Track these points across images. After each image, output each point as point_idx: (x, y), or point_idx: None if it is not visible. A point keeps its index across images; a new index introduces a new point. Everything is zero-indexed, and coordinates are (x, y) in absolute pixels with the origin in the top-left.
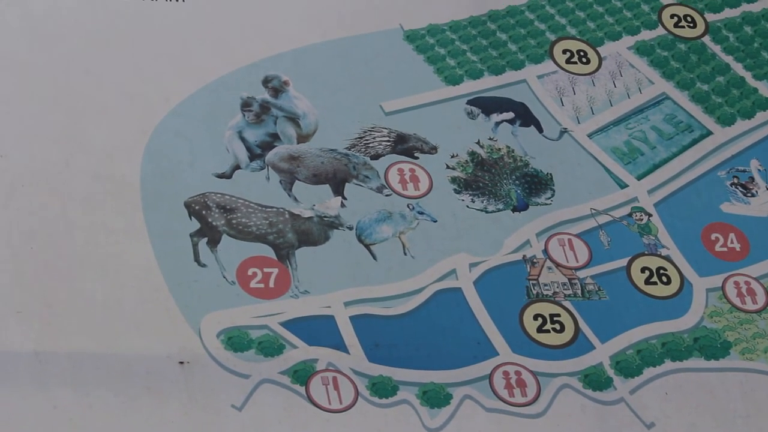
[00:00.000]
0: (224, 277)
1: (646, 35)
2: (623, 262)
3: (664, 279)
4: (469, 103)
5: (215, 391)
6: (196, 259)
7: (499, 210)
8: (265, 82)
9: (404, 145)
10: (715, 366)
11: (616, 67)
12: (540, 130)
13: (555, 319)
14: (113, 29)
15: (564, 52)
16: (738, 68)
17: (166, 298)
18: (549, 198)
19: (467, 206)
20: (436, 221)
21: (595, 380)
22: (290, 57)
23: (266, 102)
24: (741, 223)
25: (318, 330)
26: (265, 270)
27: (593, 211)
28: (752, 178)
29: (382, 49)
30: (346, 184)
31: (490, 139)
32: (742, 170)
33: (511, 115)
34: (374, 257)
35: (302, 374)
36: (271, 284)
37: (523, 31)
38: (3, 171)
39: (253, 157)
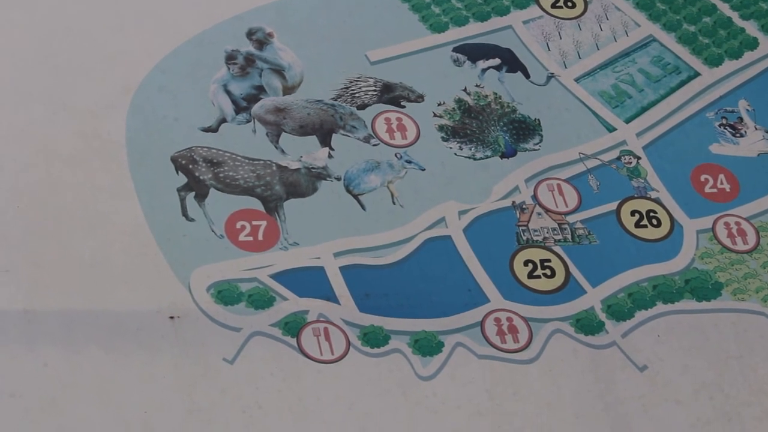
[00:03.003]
0: (213, 230)
1: None
2: (613, 205)
3: (654, 222)
4: (455, 50)
5: (206, 344)
6: (184, 214)
7: (487, 157)
8: (249, 34)
9: (390, 94)
10: (706, 307)
11: (602, 10)
12: (527, 75)
13: (545, 264)
14: None
15: None
16: (725, 8)
17: (155, 253)
18: (537, 143)
19: (455, 154)
20: (424, 170)
21: (587, 324)
22: (274, 8)
23: (251, 54)
24: (730, 163)
25: (308, 281)
26: (254, 223)
27: (582, 156)
28: (741, 119)
29: None
30: (333, 134)
31: (476, 86)
32: (731, 111)
33: (497, 61)
34: (363, 207)
35: (293, 326)
36: (260, 237)
37: None
38: None
39: (238, 110)
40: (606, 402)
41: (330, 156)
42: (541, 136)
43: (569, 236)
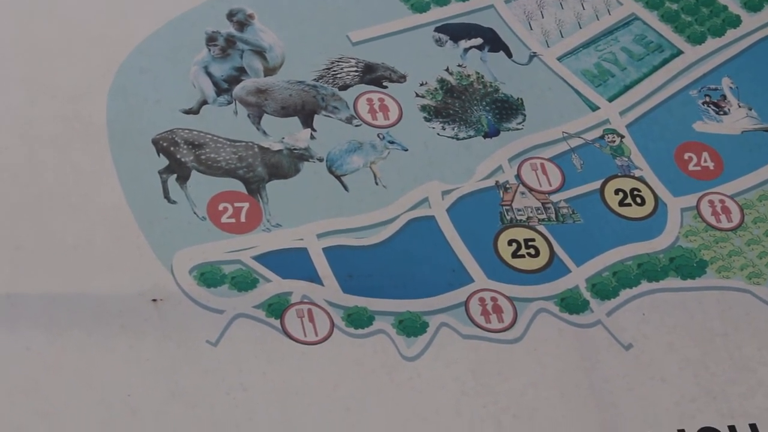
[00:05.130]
0: (195, 213)
1: None
2: (597, 184)
3: (639, 200)
4: (437, 30)
5: (189, 327)
6: (166, 196)
7: (470, 137)
8: (230, 15)
9: (372, 75)
10: (691, 285)
11: None
12: (509, 55)
13: (530, 243)
14: None
15: None
16: None
17: (137, 236)
18: (520, 123)
19: (438, 134)
20: (407, 150)
21: (572, 303)
22: None
23: (232, 36)
24: (714, 141)
25: (291, 263)
26: (236, 204)
27: (565, 135)
28: (724, 96)
29: None
30: (315, 115)
31: (459, 65)
32: (714, 88)
33: (479, 41)
34: (346, 188)
35: (277, 308)
36: (243, 219)
37: None
38: None
39: (220, 91)
40: (591, 380)
41: (312, 137)
42: (524, 116)
43: (553, 215)
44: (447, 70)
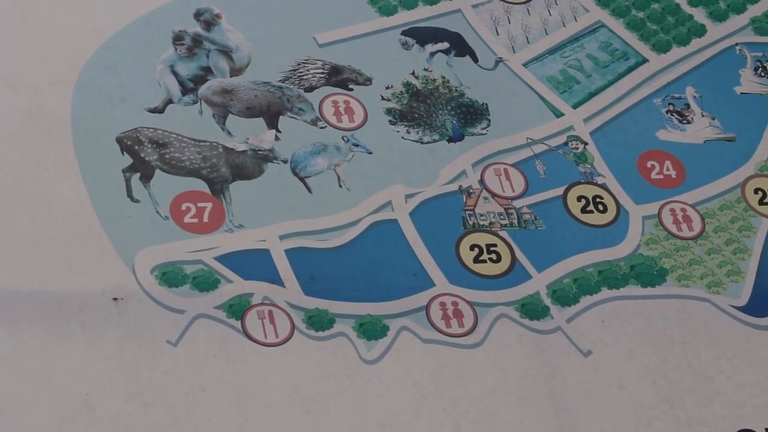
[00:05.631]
0: (158, 212)
1: None
2: (559, 191)
3: (601, 207)
4: (404, 33)
5: (150, 326)
6: (129, 195)
7: (434, 141)
8: (197, 15)
9: (338, 77)
10: (651, 293)
11: None
12: (475, 59)
13: (491, 249)
14: None
15: None
16: None
17: (99, 234)
18: (485, 128)
19: (402, 137)
20: (371, 153)
21: (532, 309)
22: None
23: (198, 35)
24: (677, 150)
25: (253, 264)
26: (199, 204)
27: (529, 141)
28: (688, 105)
29: None
30: (281, 116)
31: (425, 69)
32: (678, 97)
33: (445, 45)
34: (309, 190)
35: (238, 308)
36: (206, 219)
37: None
38: None
39: (185, 91)
40: (550, 387)
41: (277, 138)
42: (489, 121)
43: (516, 221)
44: (413, 73)
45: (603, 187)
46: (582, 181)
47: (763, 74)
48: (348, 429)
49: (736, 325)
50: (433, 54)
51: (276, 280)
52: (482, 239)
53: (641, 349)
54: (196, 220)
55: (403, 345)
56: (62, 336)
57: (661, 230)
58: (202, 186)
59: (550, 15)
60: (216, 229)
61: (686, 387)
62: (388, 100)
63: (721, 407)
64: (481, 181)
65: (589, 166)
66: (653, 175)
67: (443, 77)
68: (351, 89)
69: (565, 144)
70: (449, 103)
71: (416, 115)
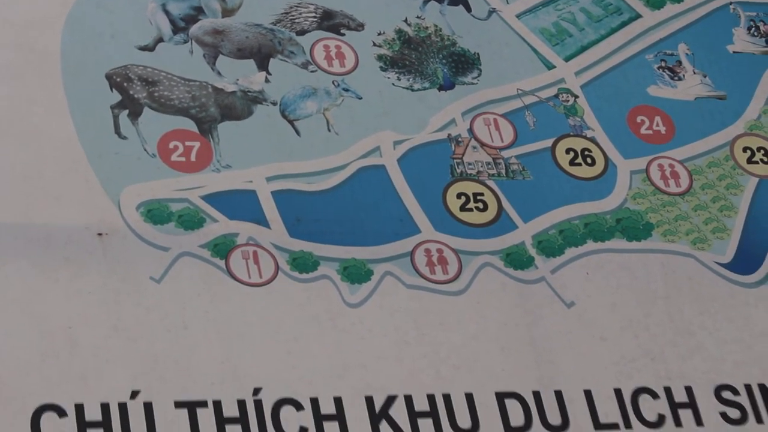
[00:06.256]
0: (145, 149)
1: None
2: (548, 142)
3: (589, 160)
4: None
5: (134, 262)
6: (117, 132)
7: (425, 88)
8: None
9: (331, 22)
10: (636, 247)
11: None
12: (468, 9)
13: (478, 198)
14: None
15: None
16: None
17: (86, 169)
18: (475, 77)
19: (393, 84)
20: (361, 98)
21: (517, 259)
22: None
23: None
24: (667, 106)
25: (239, 204)
26: (187, 143)
27: (519, 92)
28: (680, 62)
29: None
30: (271, 59)
31: (417, 17)
32: (670, 54)
33: None
34: (298, 133)
35: (222, 248)
36: (193, 158)
37: None
38: None
39: (176, 30)
40: (532, 336)
41: (267, 80)
42: (480, 71)
43: (503, 171)
44: (405, 21)
45: (592, 140)
46: (571, 133)
47: (755, 34)
48: (329, 371)
49: (719, 282)
50: (426, 2)
51: (261, 221)
52: (469, 188)
53: (624, 302)
54: (183, 159)
55: (387, 290)
56: (46, 270)
57: (649, 185)
58: (190, 125)
59: None
60: (203, 168)
61: (668, 341)
62: (380, 46)
63: (701, 362)
64: (471, 130)
65: (579, 119)
66: (643, 130)
67: (436, 26)
68: (343, 34)
69: (556, 96)
70: (441, 51)
71: (407, 63)
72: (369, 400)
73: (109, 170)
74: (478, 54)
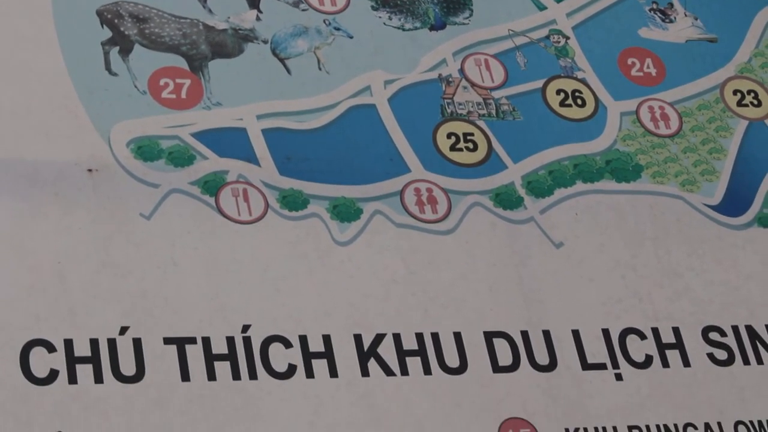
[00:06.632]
0: (135, 86)
1: None
2: (539, 83)
3: (579, 102)
4: None
5: (123, 199)
6: (108, 68)
7: (416, 28)
8: None
9: None
10: (626, 188)
11: None
12: None
13: (468, 138)
14: None
15: None
16: None
17: (76, 105)
18: (467, 18)
19: (384, 23)
20: (352, 37)
21: (506, 199)
22: None
23: None
24: (658, 48)
25: (229, 142)
26: (178, 81)
27: (511, 32)
28: (671, 4)
29: None
30: None
31: None
32: None
33: None
34: (288, 71)
35: (212, 185)
36: (183, 95)
37: None
38: None
39: None
40: (520, 276)
41: (258, 18)
42: (472, 11)
43: (494, 111)
44: None
45: (582, 81)
46: (562, 74)
47: None
48: (317, 308)
49: (708, 224)
50: None
51: (252, 158)
52: (459, 128)
53: (612, 243)
54: (173, 96)
55: (376, 228)
56: (35, 205)
57: (639, 127)
58: (181, 62)
59: None
60: (193, 105)
61: (655, 282)
62: None
63: (688, 303)
64: (461, 71)
65: (570, 61)
66: (633, 72)
67: None
68: None
69: (547, 37)
70: None
71: (399, 2)
72: (357, 338)
73: (99, 107)
74: None
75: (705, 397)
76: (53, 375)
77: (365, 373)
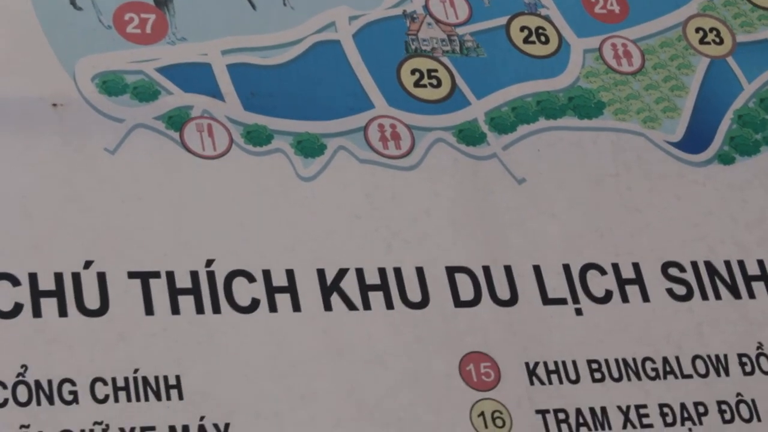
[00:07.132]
0: (100, 21)
1: None
2: (503, 20)
3: (543, 39)
4: None
5: (88, 133)
6: (72, 2)
7: None
8: None
9: None
10: (588, 125)
11: None
12: None
13: (432, 74)
14: None
15: None
16: None
17: (41, 40)
18: None
19: None
20: None
21: (469, 135)
22: None
23: None
24: None
25: (194, 77)
26: (143, 15)
27: None
28: None
29: None
30: None
31: None
32: None
33: None
34: (253, 7)
35: (177, 120)
36: (148, 30)
37: None
38: None
39: None
40: (482, 211)
41: None
42: None
43: (458, 48)
44: None
45: (546, 18)
46: (525, 11)
47: None
48: (281, 243)
49: (669, 161)
50: None
51: (216, 94)
52: (423, 64)
53: (573, 178)
54: (138, 31)
55: (340, 164)
56: (0, 139)
57: (601, 64)
58: None
59: None
60: (158, 40)
61: (616, 218)
62: None
63: (649, 240)
64: (426, 7)
65: None
66: (596, 9)
67: None
68: None
69: None
70: None
71: None
72: (320, 273)
73: (63, 41)
74: None
75: (663, 331)
76: (17, 308)
77: (328, 307)
